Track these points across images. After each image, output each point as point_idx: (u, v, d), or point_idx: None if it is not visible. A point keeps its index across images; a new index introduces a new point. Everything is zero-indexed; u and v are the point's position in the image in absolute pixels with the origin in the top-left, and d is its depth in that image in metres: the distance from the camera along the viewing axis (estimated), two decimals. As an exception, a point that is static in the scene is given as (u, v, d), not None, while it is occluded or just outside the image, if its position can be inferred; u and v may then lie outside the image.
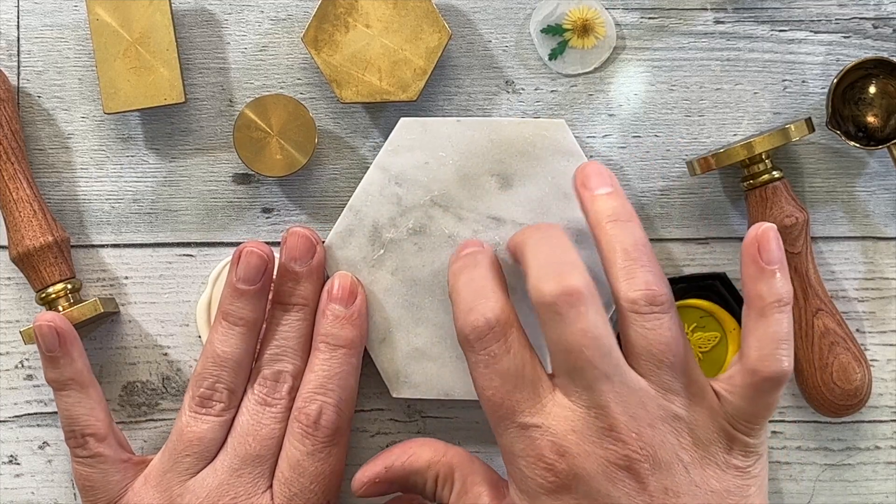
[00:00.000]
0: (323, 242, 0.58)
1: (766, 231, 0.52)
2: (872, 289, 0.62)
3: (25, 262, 0.59)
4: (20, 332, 0.60)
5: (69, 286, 0.60)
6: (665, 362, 0.50)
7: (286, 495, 0.55)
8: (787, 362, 0.50)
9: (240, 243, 0.62)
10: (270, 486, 0.56)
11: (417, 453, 0.55)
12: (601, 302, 0.50)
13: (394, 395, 0.59)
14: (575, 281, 0.49)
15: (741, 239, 0.62)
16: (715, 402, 0.51)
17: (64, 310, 0.59)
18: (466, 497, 0.53)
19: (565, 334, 0.48)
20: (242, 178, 0.63)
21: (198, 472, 0.56)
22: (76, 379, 0.56)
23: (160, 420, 0.63)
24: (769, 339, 0.51)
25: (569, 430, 0.48)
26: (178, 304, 0.63)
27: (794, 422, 0.62)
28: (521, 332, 0.51)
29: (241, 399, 0.57)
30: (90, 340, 0.62)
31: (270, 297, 0.57)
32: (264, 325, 0.58)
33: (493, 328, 0.50)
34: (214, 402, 0.56)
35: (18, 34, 0.62)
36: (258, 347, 0.58)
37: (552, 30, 0.61)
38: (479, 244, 0.55)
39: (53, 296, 0.59)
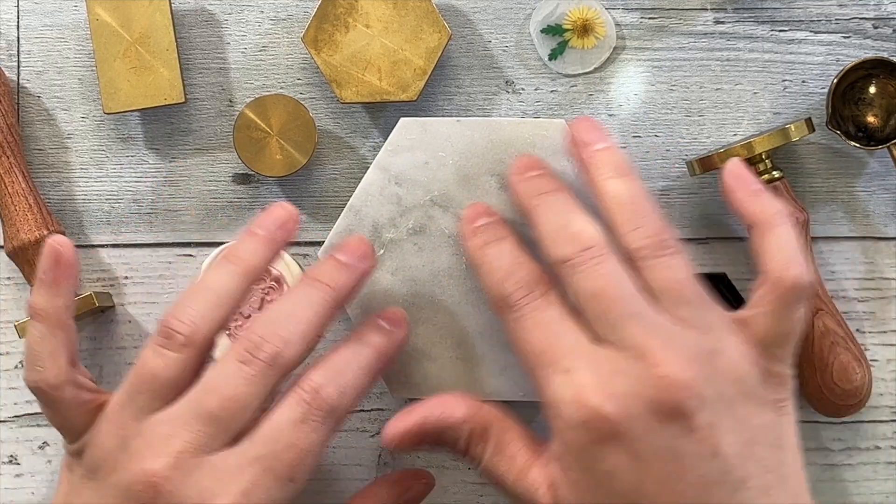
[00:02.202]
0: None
1: (738, 162, 0.54)
2: (872, 289, 0.62)
3: (21, 256, 0.59)
4: (14, 325, 0.60)
5: (65, 281, 0.60)
6: (685, 300, 0.49)
7: (250, 453, 0.50)
8: (808, 268, 0.50)
9: (240, 243, 0.62)
10: (228, 445, 0.50)
11: (452, 408, 0.53)
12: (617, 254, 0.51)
13: (394, 395, 0.59)
14: (590, 236, 0.50)
15: (741, 239, 0.62)
16: (742, 332, 0.50)
17: None
18: (501, 456, 0.52)
19: (588, 282, 0.49)
20: (242, 178, 0.63)
21: (153, 412, 0.51)
22: (51, 314, 0.53)
23: (160, 420, 0.63)
24: (784, 247, 0.51)
25: (613, 372, 0.48)
26: (178, 304, 0.63)
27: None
28: (560, 294, 0.51)
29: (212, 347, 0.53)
30: (90, 340, 0.62)
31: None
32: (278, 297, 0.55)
33: (537, 285, 0.51)
34: (176, 335, 0.51)
35: (18, 34, 0.62)
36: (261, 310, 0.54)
37: (552, 30, 0.61)
38: (488, 213, 0.55)
39: (49, 290, 0.59)
